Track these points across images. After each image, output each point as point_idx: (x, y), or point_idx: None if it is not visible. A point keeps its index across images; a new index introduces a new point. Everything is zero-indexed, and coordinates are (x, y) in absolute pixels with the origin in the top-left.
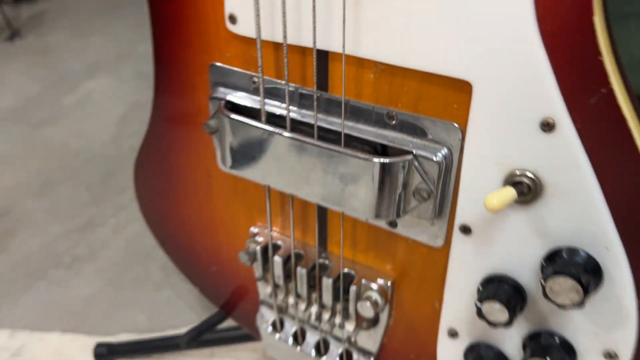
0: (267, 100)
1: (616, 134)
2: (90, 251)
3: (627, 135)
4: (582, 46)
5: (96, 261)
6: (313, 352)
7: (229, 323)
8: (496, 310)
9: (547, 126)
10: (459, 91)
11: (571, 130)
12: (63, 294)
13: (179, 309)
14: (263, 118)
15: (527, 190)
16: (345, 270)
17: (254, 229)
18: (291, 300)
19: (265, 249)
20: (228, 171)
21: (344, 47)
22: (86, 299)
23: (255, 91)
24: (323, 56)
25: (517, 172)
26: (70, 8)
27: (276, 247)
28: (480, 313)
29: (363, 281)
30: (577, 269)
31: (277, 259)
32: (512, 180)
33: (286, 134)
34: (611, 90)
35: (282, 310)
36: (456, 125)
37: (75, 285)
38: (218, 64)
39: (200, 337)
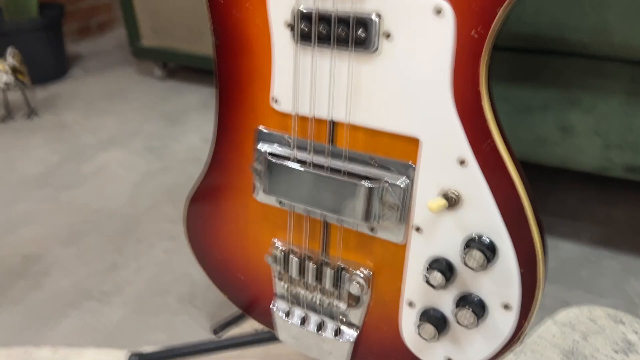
0: (295, 151)
1: (499, 166)
2: (116, 287)
3: (504, 167)
4: (478, 118)
5: (122, 295)
6: (315, 330)
7: (234, 332)
8: (437, 277)
9: (462, 162)
10: (412, 143)
11: (475, 165)
12: (95, 320)
13: (194, 330)
14: (294, 159)
15: (453, 201)
16: (340, 264)
17: (275, 240)
18: (301, 291)
19: (285, 253)
20: (262, 198)
21: (348, 119)
22: (115, 323)
23: (286, 145)
24: (332, 124)
25: (447, 189)
26: (81, 92)
27: (293, 252)
28: (427, 280)
29: (352, 271)
30: (482, 246)
31: (294, 259)
32: (444, 195)
33: (312, 170)
34: (494, 141)
35: (292, 301)
36: (411, 163)
37: (105, 313)
38: (262, 128)
39: (227, 327)
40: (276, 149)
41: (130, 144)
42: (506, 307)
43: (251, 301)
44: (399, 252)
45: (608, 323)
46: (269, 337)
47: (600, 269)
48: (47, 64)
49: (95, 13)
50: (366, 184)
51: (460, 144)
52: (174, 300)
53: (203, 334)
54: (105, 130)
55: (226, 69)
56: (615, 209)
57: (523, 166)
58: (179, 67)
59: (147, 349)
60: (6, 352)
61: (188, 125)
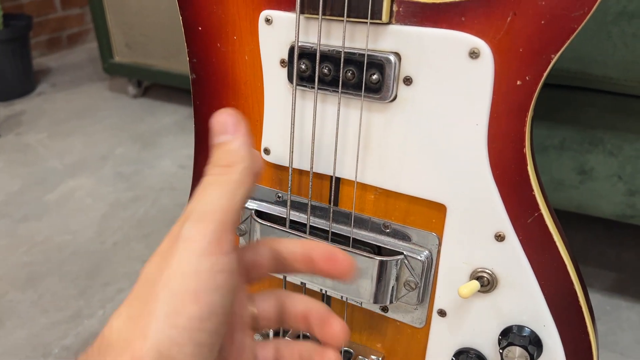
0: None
1: (546, 244)
2: (79, 341)
3: (554, 245)
4: (521, 185)
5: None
6: None
7: None
8: None
9: (499, 237)
10: (437, 210)
11: (516, 241)
12: None
13: None
14: (288, 223)
15: (487, 283)
16: (345, 348)
17: None
18: None
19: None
20: None
21: (356, 176)
22: None
23: (278, 203)
24: (336, 181)
25: (479, 269)
26: (48, 110)
27: (285, 331)
28: None
29: (359, 358)
30: (524, 341)
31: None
32: (476, 275)
33: (305, 236)
34: (541, 214)
35: None
36: (435, 234)
37: None
38: None
39: None
40: (265, 207)
41: (100, 169)
42: None
43: None
44: (417, 337)
45: None
46: None
47: (618, 321)
48: (12, 80)
49: (66, 25)
50: (378, 258)
51: (498, 215)
52: None
53: None
54: (73, 154)
55: (205, 110)
56: (625, 250)
57: None
58: (153, 84)
59: None
60: None
61: (163, 149)
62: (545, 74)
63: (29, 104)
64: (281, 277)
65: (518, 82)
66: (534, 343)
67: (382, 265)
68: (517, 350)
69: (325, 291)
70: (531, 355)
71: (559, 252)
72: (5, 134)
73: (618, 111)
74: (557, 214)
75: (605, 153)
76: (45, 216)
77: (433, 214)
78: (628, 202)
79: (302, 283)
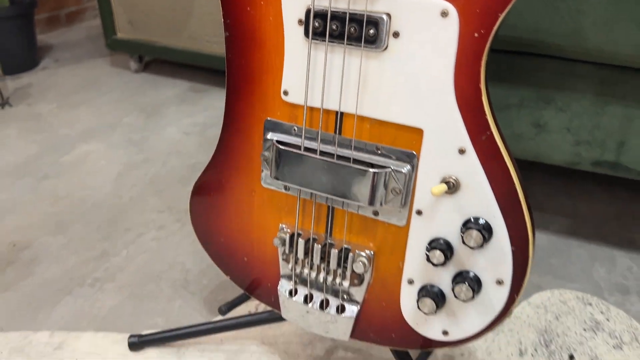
0: (303, 140)
1: (495, 156)
2: (108, 274)
3: (501, 157)
4: (478, 111)
5: (114, 281)
6: (318, 307)
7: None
8: (437, 255)
9: (462, 151)
10: (416, 134)
11: (474, 154)
12: (90, 305)
13: (189, 314)
14: (302, 148)
15: (452, 186)
16: (345, 246)
17: (282, 225)
18: (306, 271)
19: (292, 236)
20: (269, 184)
21: (356, 110)
22: (110, 308)
23: (294, 135)
24: (340, 115)
25: (447, 177)
26: (54, 83)
27: (299, 235)
28: (428, 258)
29: (356, 252)
30: (479, 227)
31: (301, 241)
32: (444, 181)
33: (318, 157)
34: (492, 134)
35: (297, 281)
36: (414, 152)
37: (99, 298)
38: (271, 118)
39: (232, 309)
40: (285, 138)
41: (110, 136)
42: (499, 282)
43: (254, 282)
44: (400, 234)
45: (577, 305)
46: (266, 317)
47: (568, 256)
48: (18, 54)
49: (65, 4)
50: (372, 170)
51: (461, 135)
52: (168, 286)
53: (199, 318)
54: (83, 122)
55: (236, 61)
56: (579, 201)
57: None
58: (155, 60)
59: (146, 332)
60: (3, 337)
61: (167, 119)
62: (494, 28)
63: (35, 77)
64: (295, 194)
65: (476, 34)
66: (486, 229)
67: (375, 176)
68: (474, 233)
69: (330, 202)
70: (484, 237)
71: (505, 162)
72: (17, 104)
73: (566, 74)
74: (518, 164)
75: (557, 109)
76: (64, 175)
77: (413, 137)
78: (575, 151)
79: (311, 195)
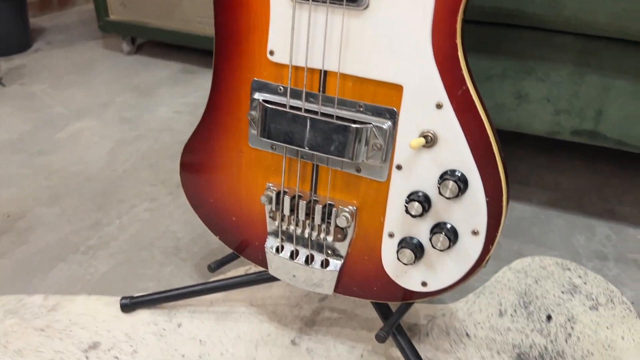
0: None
1: (471, 110)
2: (101, 242)
3: (476, 111)
4: (454, 67)
5: (108, 249)
6: (303, 262)
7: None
8: (416, 207)
9: (439, 106)
10: (396, 90)
11: (450, 108)
12: (83, 270)
13: (181, 279)
14: (288, 106)
15: (430, 140)
16: (329, 202)
17: (269, 184)
18: (292, 227)
19: (278, 194)
20: (256, 144)
21: (339, 68)
22: (104, 273)
23: (280, 94)
24: (324, 73)
25: (425, 131)
26: (47, 64)
27: (285, 192)
28: (407, 210)
29: (340, 207)
30: (455, 178)
31: (287, 198)
32: (423, 135)
33: (303, 113)
34: (468, 88)
35: (284, 238)
36: (394, 109)
37: (92, 264)
38: (258, 79)
39: (221, 267)
40: (271, 97)
41: (103, 114)
42: (475, 232)
43: (243, 241)
44: (381, 189)
45: (556, 270)
46: (255, 278)
47: (549, 226)
48: (10, 35)
49: None
50: (355, 126)
51: (438, 90)
52: (160, 253)
53: (190, 283)
54: (76, 101)
55: (224, 22)
56: (561, 175)
57: None
58: (147, 42)
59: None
60: None
61: (159, 98)
62: None
63: (28, 59)
64: (281, 153)
65: None
66: (462, 180)
67: (357, 132)
68: (450, 184)
69: (315, 160)
70: (459, 187)
71: (480, 115)
72: (10, 84)
73: (546, 44)
74: (500, 135)
75: (537, 80)
76: (58, 151)
77: (393, 93)
78: (555, 121)
79: (297, 154)
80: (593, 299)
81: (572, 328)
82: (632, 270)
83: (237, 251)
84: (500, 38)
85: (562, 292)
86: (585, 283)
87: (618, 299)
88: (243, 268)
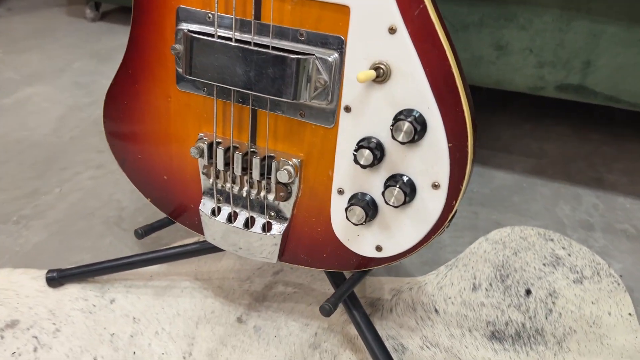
0: (218, 29)
1: (429, 34)
2: (36, 212)
3: (436, 35)
4: None
5: (43, 219)
6: (242, 226)
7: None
8: (366, 155)
9: (392, 30)
10: (342, 13)
11: (405, 33)
12: (12, 241)
13: (120, 250)
14: (216, 36)
15: (383, 74)
16: (269, 154)
17: (201, 134)
18: (228, 185)
19: (210, 145)
20: (185, 86)
21: None
22: (35, 245)
23: (209, 23)
24: None
25: (377, 62)
26: (4, 30)
27: (219, 143)
28: (356, 159)
29: (281, 159)
30: (411, 118)
31: (220, 149)
32: (374, 67)
33: (232, 43)
34: (425, 7)
35: (219, 199)
36: (341, 36)
37: (23, 235)
38: (183, 6)
39: (151, 232)
40: (199, 27)
41: (57, 79)
42: (435, 186)
43: (176, 204)
44: (329, 137)
45: (538, 240)
46: (197, 248)
47: (532, 194)
48: None
49: None
50: (293, 56)
51: (390, 9)
52: (100, 223)
53: (129, 254)
54: (30, 67)
55: None
56: (547, 143)
57: None
58: (112, 9)
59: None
60: None
61: (119, 63)
62: None
63: None
64: (212, 96)
65: None
66: (419, 122)
67: (297, 64)
68: (405, 125)
69: (252, 103)
70: (415, 129)
71: (440, 41)
72: None
73: None
74: (478, 97)
75: (519, 27)
76: (2, 117)
77: (339, 17)
78: (538, 74)
79: (232, 97)
80: (577, 272)
81: (553, 303)
82: (621, 240)
83: (171, 216)
84: None
85: (544, 265)
86: (569, 255)
87: (605, 272)
88: (196, 237)
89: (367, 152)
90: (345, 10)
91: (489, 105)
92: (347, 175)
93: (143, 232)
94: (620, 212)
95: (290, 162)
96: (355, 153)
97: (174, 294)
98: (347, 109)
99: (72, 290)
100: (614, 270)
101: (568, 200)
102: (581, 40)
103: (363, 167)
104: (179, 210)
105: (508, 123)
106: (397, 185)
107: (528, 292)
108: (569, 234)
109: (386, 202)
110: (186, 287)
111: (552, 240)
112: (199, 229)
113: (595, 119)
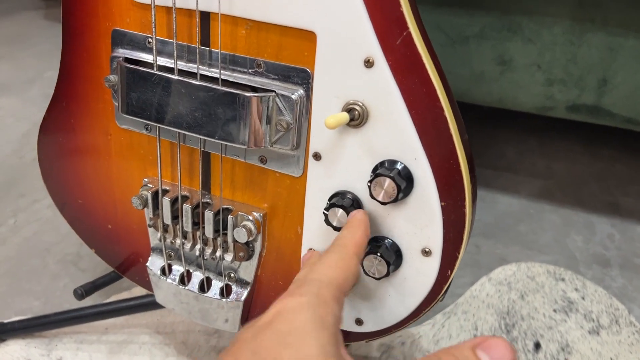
0: (159, 57)
1: (415, 67)
2: None
3: (423, 69)
4: (389, 2)
5: None
6: (197, 289)
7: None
8: (339, 215)
9: (369, 63)
10: (307, 41)
11: (385, 66)
12: None
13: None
14: (155, 67)
15: (358, 116)
16: (225, 206)
17: (146, 180)
18: (178, 241)
19: (155, 194)
20: (125, 123)
21: (219, 6)
22: None
23: (149, 50)
24: (205, 17)
25: (351, 102)
26: None
27: (165, 192)
28: (327, 219)
29: (239, 213)
30: (394, 172)
31: (166, 200)
32: (347, 108)
33: (174, 77)
34: (410, 34)
35: (170, 256)
36: (307, 69)
37: None
38: (119, 28)
39: (94, 291)
40: (138, 55)
41: (26, 91)
42: (426, 252)
43: (123, 257)
44: (296, 187)
45: (547, 280)
46: (153, 301)
47: (540, 223)
48: None
49: None
50: (247, 94)
51: (366, 38)
52: (55, 262)
53: (86, 301)
54: None
55: None
56: (555, 161)
57: (458, 106)
58: None
59: (15, 318)
60: None
61: None
62: None
63: None
64: (155, 135)
65: None
66: (403, 176)
67: (252, 103)
68: (386, 182)
69: (203, 145)
70: (399, 187)
71: (428, 76)
72: None
73: None
74: (480, 110)
75: (524, 40)
76: None
77: (304, 45)
78: (547, 93)
79: (179, 137)
80: (593, 320)
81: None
82: None
83: (118, 270)
84: None
85: (555, 311)
86: (583, 298)
87: (624, 320)
88: None
89: (340, 211)
90: (311, 37)
91: (492, 117)
92: (319, 233)
93: (83, 292)
94: (639, 243)
95: (250, 217)
96: (326, 212)
97: (131, 351)
98: (317, 157)
99: (14, 347)
100: (634, 317)
101: (580, 230)
102: (596, 55)
103: (336, 229)
104: (127, 264)
105: (513, 137)
106: (378, 253)
107: (537, 345)
108: (582, 272)
109: (365, 273)
110: (145, 343)
111: (563, 280)
112: (150, 287)
113: (607, 132)
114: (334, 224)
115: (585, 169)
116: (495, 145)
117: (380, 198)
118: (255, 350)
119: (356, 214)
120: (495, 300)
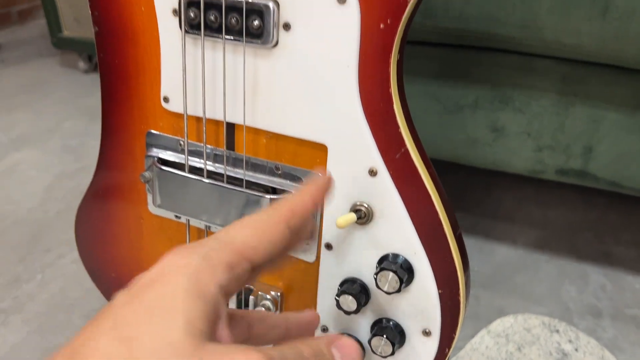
0: (190, 157)
1: (413, 178)
2: (16, 304)
3: (419, 179)
4: (389, 123)
5: (21, 313)
6: None
7: None
8: (349, 301)
9: (372, 173)
10: (319, 150)
11: (387, 175)
12: None
13: None
14: (187, 169)
15: (364, 215)
16: (246, 285)
17: None
18: None
19: None
20: (157, 210)
21: (244, 120)
22: (12, 346)
23: (181, 151)
24: (231, 126)
25: (358, 203)
26: None
27: None
28: (338, 304)
29: (259, 293)
30: (396, 266)
31: None
32: (354, 209)
33: (205, 180)
34: (407, 150)
35: None
36: (319, 173)
37: (1, 334)
38: (153, 131)
39: None
40: (167, 155)
41: (46, 142)
42: (426, 333)
43: None
44: (310, 272)
45: (543, 332)
46: None
47: (536, 273)
48: None
49: (16, 0)
50: (268, 196)
51: (370, 152)
52: (80, 317)
53: None
54: (19, 127)
55: (109, 61)
56: (551, 209)
57: (455, 168)
58: None
59: None
60: None
61: None
62: (404, 17)
63: None
64: (184, 222)
65: (381, 26)
66: (404, 268)
67: (272, 203)
68: (390, 276)
69: None
70: (401, 279)
71: (424, 185)
72: None
73: (523, 69)
74: (475, 171)
75: (515, 110)
76: None
77: (317, 154)
78: (537, 158)
79: (206, 227)
80: None
81: None
82: (631, 329)
83: None
84: (472, 63)
85: None
86: (576, 350)
87: None
88: None
89: (350, 298)
90: (322, 148)
91: (480, 169)
92: (330, 314)
93: None
94: (630, 293)
95: (269, 296)
96: (337, 298)
97: None
98: (329, 247)
99: None
100: None
101: (574, 280)
102: (581, 125)
103: (347, 313)
104: None
105: (510, 185)
106: (384, 335)
107: None
108: (575, 322)
109: (373, 352)
110: None
111: (557, 331)
112: None
113: None
114: (344, 309)
115: (580, 217)
116: (493, 193)
117: (385, 289)
118: (117, 321)
119: (318, 179)
120: (494, 353)
